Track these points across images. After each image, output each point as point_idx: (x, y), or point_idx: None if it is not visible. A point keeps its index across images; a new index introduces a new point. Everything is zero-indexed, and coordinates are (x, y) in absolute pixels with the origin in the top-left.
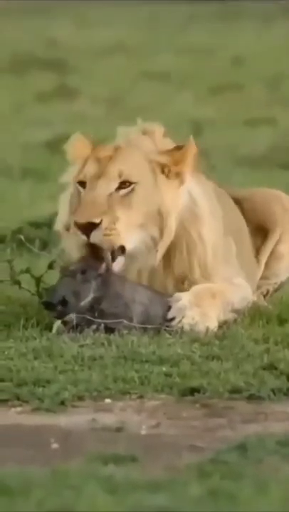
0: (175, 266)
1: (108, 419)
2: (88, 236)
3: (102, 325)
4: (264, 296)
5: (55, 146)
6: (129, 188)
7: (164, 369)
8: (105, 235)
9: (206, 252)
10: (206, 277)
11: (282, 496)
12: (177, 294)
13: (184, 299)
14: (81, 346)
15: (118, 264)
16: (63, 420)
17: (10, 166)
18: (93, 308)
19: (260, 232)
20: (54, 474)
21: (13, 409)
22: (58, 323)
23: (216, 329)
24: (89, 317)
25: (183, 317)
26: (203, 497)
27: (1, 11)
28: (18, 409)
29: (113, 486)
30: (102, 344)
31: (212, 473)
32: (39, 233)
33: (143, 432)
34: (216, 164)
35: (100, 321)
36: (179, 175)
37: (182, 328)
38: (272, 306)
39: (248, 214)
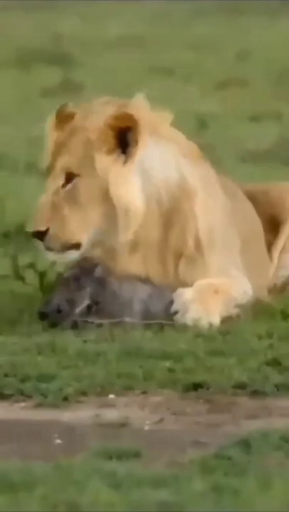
0: (171, 241)
1: (112, 414)
2: (44, 241)
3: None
4: (271, 290)
5: None
6: (72, 183)
7: (167, 364)
8: (56, 238)
9: (198, 226)
10: (200, 253)
11: (286, 492)
12: (180, 290)
13: (187, 294)
14: (85, 342)
15: (70, 258)
16: (67, 416)
17: (15, 160)
18: (90, 310)
19: (273, 226)
20: (57, 469)
21: (16, 405)
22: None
23: (218, 324)
24: (86, 320)
25: (186, 311)
26: (206, 492)
27: (6, 5)
28: (22, 404)
29: (117, 482)
30: (106, 340)
31: (216, 468)
32: None
33: (146, 428)
34: (221, 159)
35: (98, 321)
36: (126, 155)
37: (185, 323)
38: (275, 301)
39: (262, 208)
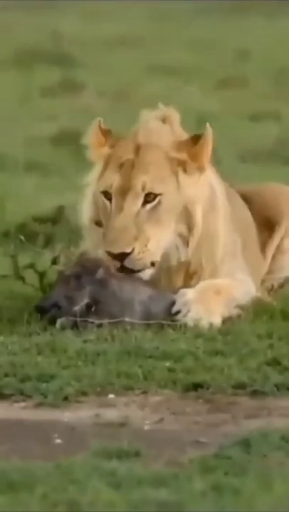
0: (191, 262)
1: (112, 414)
2: (122, 263)
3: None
4: (269, 291)
5: (61, 140)
6: (155, 202)
7: (167, 364)
8: (138, 259)
9: (218, 246)
10: (214, 272)
11: (286, 491)
12: (182, 290)
13: (189, 294)
14: (85, 342)
15: (145, 276)
16: (67, 415)
17: (15, 160)
18: (90, 310)
19: (267, 226)
20: (58, 469)
21: (16, 405)
22: (61, 318)
23: (219, 325)
24: (85, 319)
25: (188, 311)
26: (206, 492)
27: (6, 5)
28: (22, 404)
29: (117, 481)
30: (106, 339)
31: (215, 468)
32: (43, 228)
33: (146, 427)
34: (221, 158)
35: (97, 321)
36: (199, 168)
37: (186, 323)
38: (276, 301)
39: (257, 208)
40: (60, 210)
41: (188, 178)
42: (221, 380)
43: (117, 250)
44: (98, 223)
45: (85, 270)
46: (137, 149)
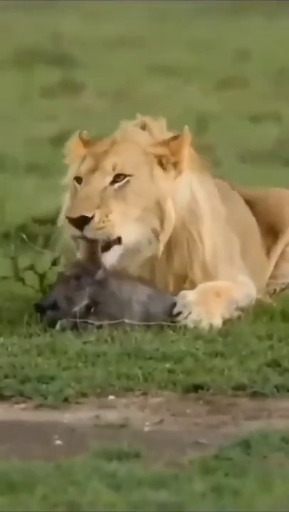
0: (175, 264)
1: (112, 415)
2: (82, 230)
3: (105, 322)
4: (271, 295)
5: (61, 141)
6: (123, 181)
7: (167, 366)
8: (98, 228)
9: (205, 251)
10: (206, 276)
11: (286, 492)
12: (183, 292)
13: (190, 296)
14: (85, 343)
15: (114, 255)
16: (67, 417)
17: (14, 161)
18: (89, 310)
19: (272, 232)
20: (58, 470)
21: (16, 406)
22: (61, 320)
23: (219, 326)
24: (84, 320)
25: (190, 313)
26: (206, 493)
27: (6, 5)
28: (22, 405)
29: (117, 482)
30: (106, 341)
31: (216, 469)
32: (43, 230)
33: (146, 429)
34: (220, 159)
35: (96, 322)
36: (176, 165)
37: (186, 325)
38: (276, 302)
39: (261, 215)
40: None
41: (163, 173)
42: (221, 382)
43: (75, 214)
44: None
45: (85, 271)
46: (113, 143)
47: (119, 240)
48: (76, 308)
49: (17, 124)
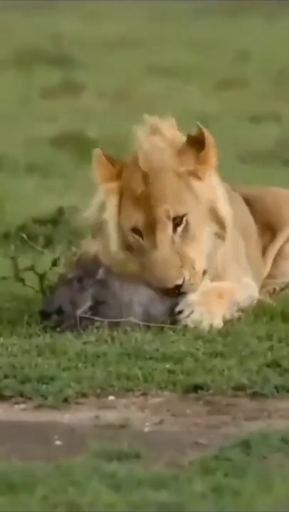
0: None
1: (112, 416)
2: (178, 295)
3: (106, 322)
4: (271, 295)
5: (61, 141)
6: (183, 224)
7: (167, 366)
8: (191, 284)
9: (221, 252)
10: (215, 276)
11: (286, 493)
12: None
13: (192, 296)
14: (84, 343)
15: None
16: (67, 417)
17: (15, 161)
18: (92, 311)
19: (269, 231)
20: (58, 470)
21: (16, 406)
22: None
23: (220, 327)
24: (89, 316)
25: (191, 312)
26: (206, 494)
27: (6, 5)
28: (22, 406)
29: (117, 483)
30: (106, 341)
31: (216, 470)
32: (43, 230)
33: (146, 429)
34: (220, 160)
35: (100, 319)
36: (209, 169)
37: (186, 325)
38: (276, 303)
39: (258, 213)
40: (60, 211)
41: (202, 184)
42: (221, 382)
43: (170, 285)
44: (128, 248)
45: (86, 272)
46: (145, 178)
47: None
48: (80, 312)
49: (17, 125)
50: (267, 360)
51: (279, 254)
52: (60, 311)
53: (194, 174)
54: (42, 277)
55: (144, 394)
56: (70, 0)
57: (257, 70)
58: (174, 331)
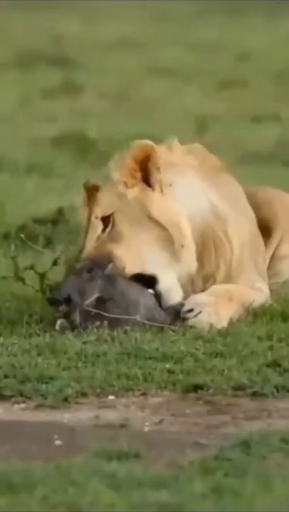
0: (205, 266)
1: (111, 415)
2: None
3: (106, 322)
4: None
5: (61, 141)
6: (111, 223)
7: (167, 366)
8: (119, 268)
9: (233, 251)
10: (230, 276)
11: (286, 493)
12: (194, 295)
13: (201, 296)
14: (84, 343)
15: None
16: (67, 417)
17: (15, 161)
18: (99, 304)
19: (261, 230)
20: (58, 470)
21: (16, 406)
22: (61, 320)
23: (224, 328)
24: (94, 310)
25: (200, 312)
26: (206, 494)
27: (6, 5)
28: (22, 405)
29: (116, 483)
30: (106, 341)
31: (216, 469)
32: (43, 230)
33: (146, 429)
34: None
35: (107, 315)
36: (155, 181)
37: (193, 325)
38: (276, 303)
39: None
40: (61, 211)
41: (151, 193)
42: (221, 382)
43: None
44: None
45: (96, 264)
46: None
47: (154, 280)
48: (87, 302)
49: (17, 125)
50: (267, 359)
51: (273, 256)
52: (68, 300)
53: (127, 180)
54: (42, 277)
55: (144, 394)
56: (71, 0)
57: (257, 71)
58: (173, 331)
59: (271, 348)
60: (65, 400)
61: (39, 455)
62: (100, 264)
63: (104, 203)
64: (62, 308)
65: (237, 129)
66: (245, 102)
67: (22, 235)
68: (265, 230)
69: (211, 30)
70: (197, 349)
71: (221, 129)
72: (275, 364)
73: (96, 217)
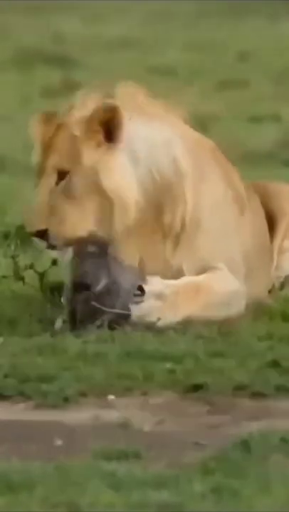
0: (162, 224)
1: (112, 415)
2: (48, 245)
3: (106, 322)
4: (269, 291)
5: None
6: (66, 180)
7: (167, 366)
8: (57, 236)
9: (187, 209)
10: (186, 236)
11: (286, 493)
12: (158, 279)
13: (158, 285)
14: (85, 342)
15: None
16: (67, 417)
17: (15, 161)
18: (106, 291)
19: (269, 221)
20: (58, 470)
21: (16, 406)
22: (60, 319)
23: (174, 323)
24: (98, 305)
25: (142, 300)
26: (206, 494)
27: (6, 5)
28: (22, 405)
29: (117, 483)
30: (106, 341)
31: (216, 470)
32: None
33: (146, 429)
34: None
35: (109, 310)
36: (108, 139)
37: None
38: (276, 303)
39: (261, 201)
40: None
41: (95, 154)
42: (221, 382)
43: (31, 229)
44: None
45: (102, 247)
46: (56, 128)
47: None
48: (98, 287)
49: (17, 125)
50: (267, 359)
51: (277, 249)
52: (87, 286)
53: (88, 143)
54: (42, 276)
55: (145, 394)
56: (71, 0)
57: (257, 71)
58: (174, 331)
59: (271, 347)
60: (66, 399)
61: (39, 455)
62: (103, 247)
63: (62, 156)
64: (83, 295)
65: (236, 128)
66: (245, 101)
67: (20, 238)
68: (271, 224)
69: (211, 30)
70: (197, 349)
71: (220, 128)
72: (275, 364)
73: (54, 168)
